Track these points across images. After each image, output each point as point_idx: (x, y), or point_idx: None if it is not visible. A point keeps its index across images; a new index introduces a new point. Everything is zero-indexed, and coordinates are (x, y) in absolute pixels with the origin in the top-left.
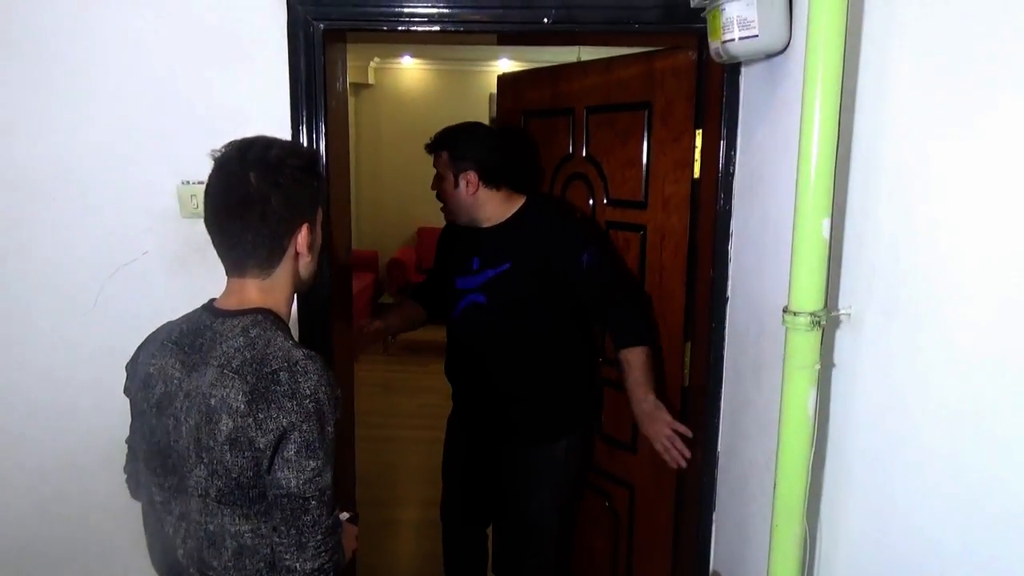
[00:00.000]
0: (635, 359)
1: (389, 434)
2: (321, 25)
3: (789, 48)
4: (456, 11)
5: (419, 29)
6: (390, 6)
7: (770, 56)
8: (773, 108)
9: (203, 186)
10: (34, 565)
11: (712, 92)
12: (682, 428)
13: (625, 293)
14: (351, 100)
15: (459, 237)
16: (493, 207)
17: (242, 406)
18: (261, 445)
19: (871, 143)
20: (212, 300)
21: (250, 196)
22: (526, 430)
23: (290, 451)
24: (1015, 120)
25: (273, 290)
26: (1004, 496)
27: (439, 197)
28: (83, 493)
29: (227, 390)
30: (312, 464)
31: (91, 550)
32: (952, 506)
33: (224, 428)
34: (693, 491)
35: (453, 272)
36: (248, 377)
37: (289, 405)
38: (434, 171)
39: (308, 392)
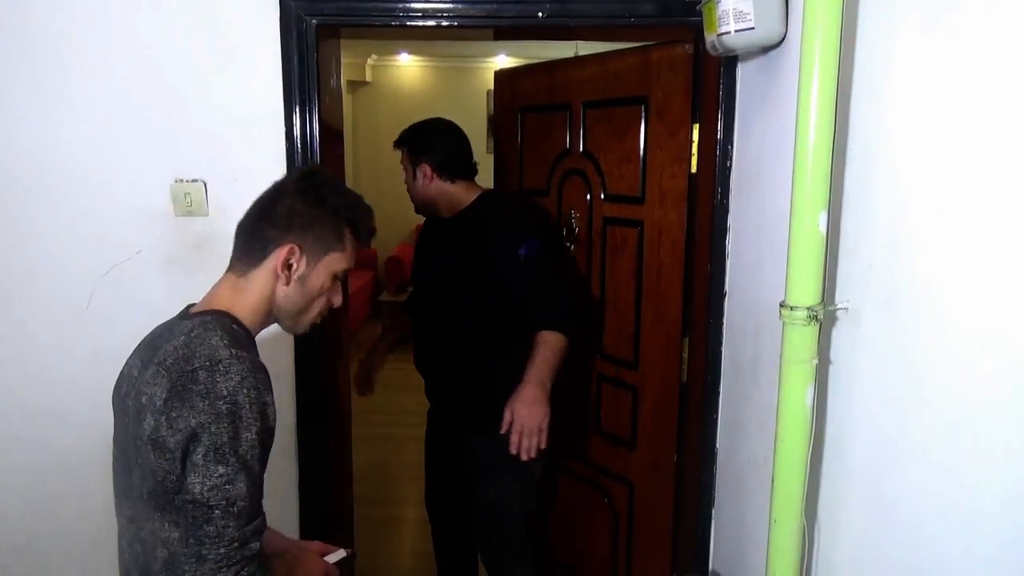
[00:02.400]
0: (548, 338)
1: (387, 432)
2: (314, 20)
3: (785, 41)
4: (450, 6)
5: (413, 24)
6: (384, 1)
7: (766, 49)
8: (770, 101)
9: (196, 184)
10: (29, 566)
11: (709, 86)
12: (543, 440)
13: (558, 283)
14: (348, 98)
15: (429, 232)
16: (448, 199)
17: (160, 404)
18: (171, 445)
19: (868, 136)
20: (193, 304)
21: (277, 192)
22: (475, 420)
23: (198, 454)
24: (1015, 113)
25: (243, 291)
26: (1002, 492)
27: (409, 193)
28: (77, 494)
29: (154, 388)
30: (220, 470)
31: (86, 551)
32: (950, 501)
33: (147, 427)
34: (692, 488)
35: (420, 266)
36: (172, 374)
37: (201, 405)
38: None
39: (224, 393)
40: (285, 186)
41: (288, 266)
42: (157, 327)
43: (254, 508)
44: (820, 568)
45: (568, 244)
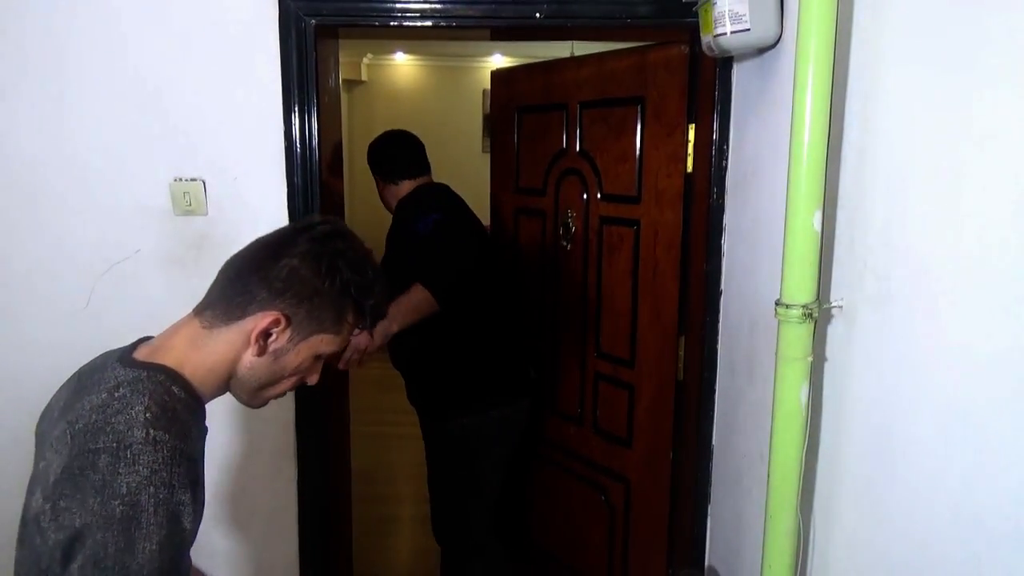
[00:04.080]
0: (416, 291)
1: (384, 431)
2: (313, 21)
3: (781, 42)
4: (448, 6)
5: (411, 24)
6: (382, 1)
7: (762, 50)
8: (765, 102)
9: (196, 183)
10: None
11: (705, 87)
12: (357, 359)
13: (448, 255)
14: (344, 97)
15: None
16: (390, 199)
17: (51, 483)
18: (51, 543)
19: (862, 135)
20: (149, 338)
21: (283, 245)
22: (422, 406)
23: (76, 562)
24: (1007, 111)
25: (202, 348)
26: (996, 489)
27: None
28: None
29: (54, 455)
30: None
31: None
32: (944, 498)
33: (35, 505)
34: (688, 485)
35: None
36: (73, 447)
37: (92, 502)
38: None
39: (123, 491)
40: (295, 242)
41: (267, 335)
42: (98, 357)
43: None
44: (815, 563)
45: (564, 243)
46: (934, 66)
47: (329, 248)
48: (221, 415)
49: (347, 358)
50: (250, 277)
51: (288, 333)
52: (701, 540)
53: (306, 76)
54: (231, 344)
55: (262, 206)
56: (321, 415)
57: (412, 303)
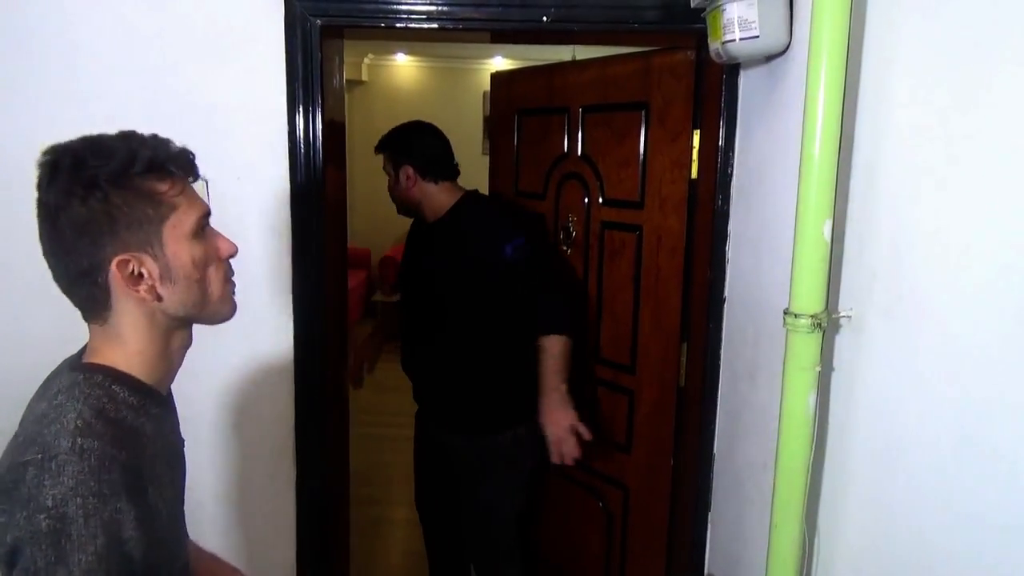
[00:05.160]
0: (552, 346)
1: (382, 432)
2: (319, 21)
3: (789, 49)
4: (454, 9)
5: (417, 26)
6: (388, 3)
7: (770, 57)
8: (772, 109)
9: (199, 182)
10: None
11: (710, 92)
12: (582, 428)
13: (551, 284)
14: (345, 96)
15: (416, 235)
16: (431, 201)
17: None
18: None
19: (873, 145)
20: None
21: (45, 211)
22: (470, 422)
23: None
24: (1018, 122)
25: (117, 339)
26: (1005, 502)
27: (392, 197)
28: None
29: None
30: None
31: None
32: (952, 510)
33: None
34: (688, 493)
35: (408, 269)
36: (9, 458)
37: (19, 516)
38: None
39: (48, 504)
40: (45, 201)
41: (135, 278)
42: (63, 361)
43: None
44: (819, 574)
45: (564, 247)
46: (947, 75)
47: (66, 173)
48: (221, 416)
49: (558, 452)
50: (63, 261)
51: (142, 256)
52: (701, 548)
53: (311, 76)
54: (131, 315)
55: (265, 206)
56: (321, 416)
57: (559, 359)
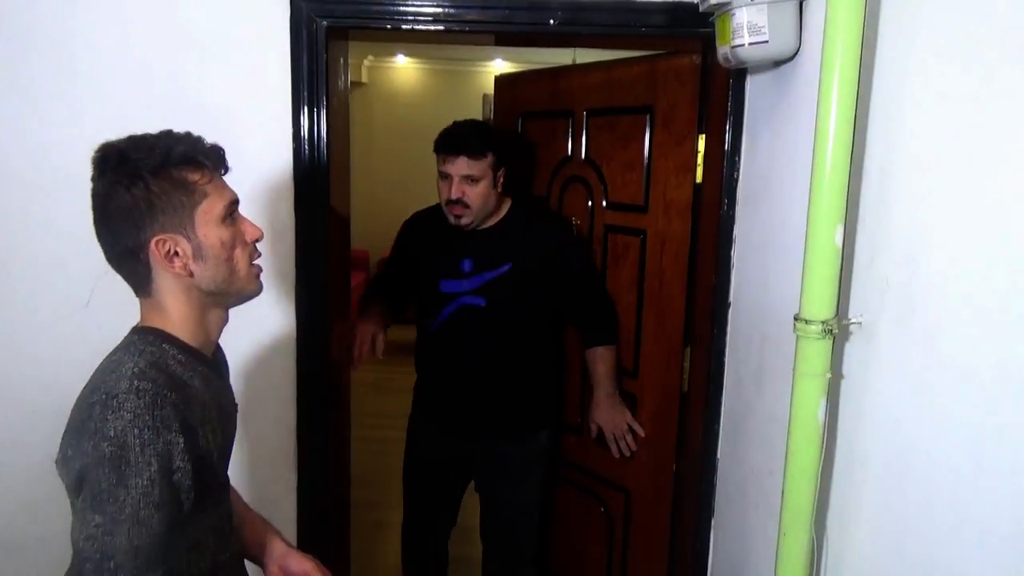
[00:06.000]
0: (609, 356)
1: (381, 435)
2: (324, 22)
3: (799, 55)
4: (460, 11)
5: (423, 28)
6: (394, 4)
7: (779, 63)
8: (780, 114)
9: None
10: (26, 566)
11: (716, 97)
12: (637, 427)
13: (603, 293)
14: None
15: (437, 238)
16: (495, 207)
17: (63, 436)
18: (67, 486)
19: (885, 150)
20: None
21: (98, 199)
22: (515, 425)
23: (81, 499)
24: None
25: (163, 309)
26: (1017, 514)
27: (458, 201)
28: None
29: (72, 411)
30: (96, 519)
31: None
32: (963, 520)
33: (59, 453)
34: (691, 497)
35: (436, 275)
36: (78, 404)
37: (86, 446)
38: (436, 174)
39: (111, 434)
40: (96, 190)
41: (172, 256)
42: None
43: (141, 565)
44: None
45: None
46: (961, 82)
47: (112, 167)
48: None
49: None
50: (113, 243)
51: (177, 237)
52: (703, 554)
53: (316, 77)
54: (172, 288)
55: (269, 206)
56: (323, 420)
57: (612, 366)
